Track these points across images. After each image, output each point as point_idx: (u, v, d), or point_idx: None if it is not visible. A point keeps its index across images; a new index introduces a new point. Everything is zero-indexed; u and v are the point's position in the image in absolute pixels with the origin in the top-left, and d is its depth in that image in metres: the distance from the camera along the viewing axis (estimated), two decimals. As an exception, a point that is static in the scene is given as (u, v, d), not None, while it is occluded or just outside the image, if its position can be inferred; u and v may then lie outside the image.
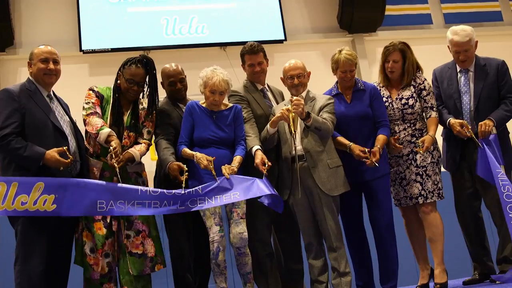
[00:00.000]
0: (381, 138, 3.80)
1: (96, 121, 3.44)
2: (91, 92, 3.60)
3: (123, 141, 3.53)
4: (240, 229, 3.53)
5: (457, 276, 4.49)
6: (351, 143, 3.75)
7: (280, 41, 7.96)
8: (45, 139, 3.24)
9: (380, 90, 4.07)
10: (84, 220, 3.47)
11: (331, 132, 3.71)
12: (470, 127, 3.85)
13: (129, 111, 3.63)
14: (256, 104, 3.92)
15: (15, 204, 3.06)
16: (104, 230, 3.43)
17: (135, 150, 3.53)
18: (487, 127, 3.78)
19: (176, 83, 3.86)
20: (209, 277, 3.88)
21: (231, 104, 3.79)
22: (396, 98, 4.00)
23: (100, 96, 3.58)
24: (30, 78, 3.44)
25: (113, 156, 3.28)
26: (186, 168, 3.46)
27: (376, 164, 3.64)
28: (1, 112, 3.22)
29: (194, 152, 3.52)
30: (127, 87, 3.57)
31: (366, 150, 3.68)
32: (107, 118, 3.53)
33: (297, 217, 3.73)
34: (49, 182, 3.14)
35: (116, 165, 3.27)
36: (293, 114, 3.53)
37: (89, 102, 3.55)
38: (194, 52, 7.55)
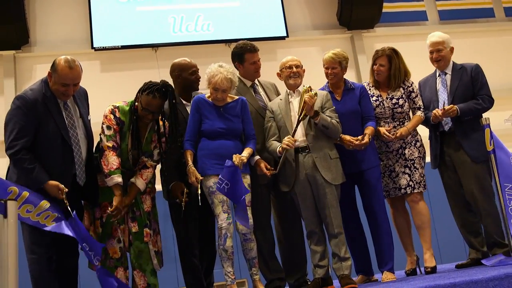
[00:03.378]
0: (369, 128, 3.86)
1: (113, 161, 3.37)
2: (112, 116, 3.46)
3: (138, 166, 3.54)
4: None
5: (451, 260, 4.50)
6: (341, 134, 3.77)
7: (282, 38, 7.95)
8: (52, 152, 3.23)
9: (369, 89, 4.13)
10: (92, 216, 3.50)
11: (340, 132, 3.74)
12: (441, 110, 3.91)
13: (145, 136, 3.55)
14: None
15: (21, 210, 3.05)
16: (101, 229, 3.46)
17: (142, 182, 3.52)
18: (451, 109, 3.85)
19: (197, 72, 3.90)
20: (214, 263, 3.91)
21: (236, 97, 3.76)
22: (387, 98, 4.06)
23: (121, 123, 3.46)
24: (49, 82, 3.33)
25: (112, 215, 3.35)
26: (187, 190, 3.50)
27: (364, 142, 3.70)
28: (16, 122, 3.18)
29: (190, 163, 3.52)
30: (142, 114, 3.46)
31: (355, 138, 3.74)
32: (126, 144, 3.49)
33: (299, 205, 3.72)
34: (54, 205, 3.16)
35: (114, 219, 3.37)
36: (305, 97, 3.54)
37: (110, 128, 3.44)
38: (200, 48, 7.52)
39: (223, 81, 3.56)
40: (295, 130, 3.63)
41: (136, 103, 3.49)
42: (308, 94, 3.55)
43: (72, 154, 3.30)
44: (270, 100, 4.04)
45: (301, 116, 3.59)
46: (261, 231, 3.78)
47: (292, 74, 3.79)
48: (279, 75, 3.91)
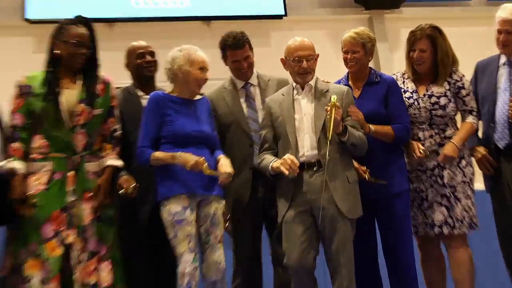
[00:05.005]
0: (388, 127, 3.82)
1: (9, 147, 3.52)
2: (17, 90, 3.61)
3: (77, 118, 3.54)
4: (217, 257, 3.58)
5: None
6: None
7: (279, 17, 7.93)
8: None
9: (404, 82, 4.10)
10: (23, 249, 3.41)
11: (366, 148, 3.69)
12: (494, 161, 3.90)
13: (81, 83, 3.64)
14: (225, 109, 4.01)
15: None
16: (61, 249, 3.40)
17: (111, 159, 3.63)
18: None
19: (145, 55, 4.00)
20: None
21: (199, 96, 3.84)
22: (424, 95, 3.98)
23: (26, 89, 3.58)
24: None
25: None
26: (137, 185, 3.62)
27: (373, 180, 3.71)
28: None
29: (173, 153, 3.54)
30: (73, 52, 3.59)
31: (366, 170, 3.73)
32: (41, 100, 3.53)
33: (287, 238, 3.60)
34: None
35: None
36: (334, 114, 3.48)
37: (11, 112, 3.59)
38: (170, 27, 7.48)
39: (206, 58, 3.70)
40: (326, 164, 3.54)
41: (56, 51, 3.61)
42: (336, 107, 3.48)
43: None
44: None
45: (330, 138, 3.50)
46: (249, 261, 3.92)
47: (302, 71, 3.71)
48: (283, 62, 3.83)
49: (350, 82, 4.01)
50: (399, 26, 7.88)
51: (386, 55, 7.92)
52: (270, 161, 3.61)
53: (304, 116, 3.69)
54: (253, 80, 4.11)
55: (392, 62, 7.59)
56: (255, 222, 3.95)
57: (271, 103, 3.82)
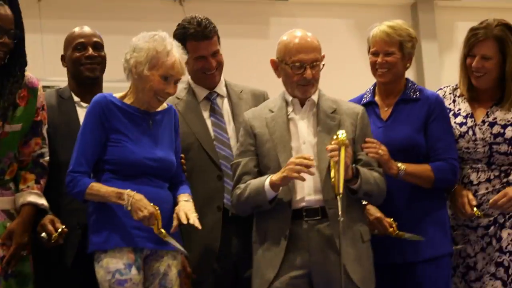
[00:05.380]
0: (422, 167, 3.67)
1: None
2: None
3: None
4: None
5: None
6: (367, 203, 3.62)
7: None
8: None
9: (454, 100, 3.93)
10: None
11: (384, 195, 3.54)
12: None
13: None
14: (181, 127, 3.74)
15: None
16: None
17: (33, 194, 3.42)
18: None
19: (87, 47, 3.76)
20: None
21: (165, 104, 3.61)
22: (483, 122, 3.78)
23: None
24: None
25: None
26: (66, 229, 3.41)
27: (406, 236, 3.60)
28: None
29: (120, 190, 3.29)
30: None
31: (393, 223, 3.59)
32: None
33: None
34: None
35: None
36: (344, 157, 3.28)
37: None
38: (129, 4, 7.26)
39: (182, 64, 3.45)
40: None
41: None
42: (345, 146, 3.28)
43: None
44: None
45: (341, 192, 3.28)
46: None
47: (303, 81, 3.48)
48: (275, 65, 3.60)
49: (376, 98, 3.87)
50: (454, 18, 8.00)
51: (432, 56, 7.92)
52: (264, 180, 3.43)
53: (304, 144, 3.53)
54: (220, 89, 3.98)
55: (441, 70, 7.61)
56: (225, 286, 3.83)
57: (253, 121, 3.65)
